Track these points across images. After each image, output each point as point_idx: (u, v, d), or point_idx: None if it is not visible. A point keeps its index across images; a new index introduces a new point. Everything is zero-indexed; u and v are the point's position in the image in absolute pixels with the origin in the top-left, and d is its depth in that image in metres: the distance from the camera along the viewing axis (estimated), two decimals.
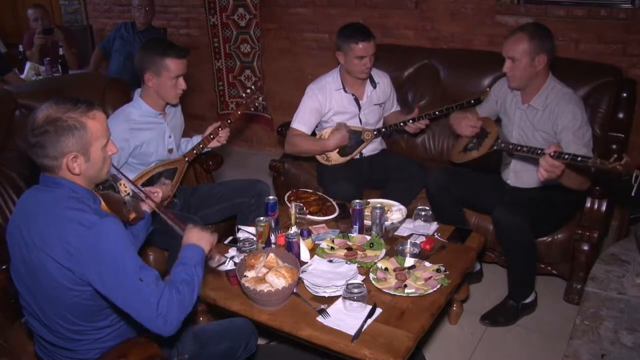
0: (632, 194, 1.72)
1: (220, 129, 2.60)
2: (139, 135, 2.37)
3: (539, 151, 2.10)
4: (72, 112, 1.41)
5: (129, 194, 1.71)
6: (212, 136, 2.59)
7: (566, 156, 1.99)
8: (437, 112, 2.81)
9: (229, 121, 2.62)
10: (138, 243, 1.78)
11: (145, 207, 1.80)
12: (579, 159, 1.95)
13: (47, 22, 4.30)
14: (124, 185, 1.70)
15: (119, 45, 4.22)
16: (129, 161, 2.39)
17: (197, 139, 2.67)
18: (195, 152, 2.58)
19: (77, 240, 1.36)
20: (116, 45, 4.25)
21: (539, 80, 2.40)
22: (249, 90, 2.76)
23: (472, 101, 2.75)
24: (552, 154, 2.00)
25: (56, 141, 1.39)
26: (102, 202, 1.53)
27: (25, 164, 2.40)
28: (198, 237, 1.60)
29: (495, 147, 2.45)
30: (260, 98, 2.76)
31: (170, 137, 2.51)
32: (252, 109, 2.77)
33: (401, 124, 2.85)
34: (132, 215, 1.65)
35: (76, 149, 1.41)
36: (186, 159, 2.57)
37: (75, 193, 1.45)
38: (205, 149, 2.64)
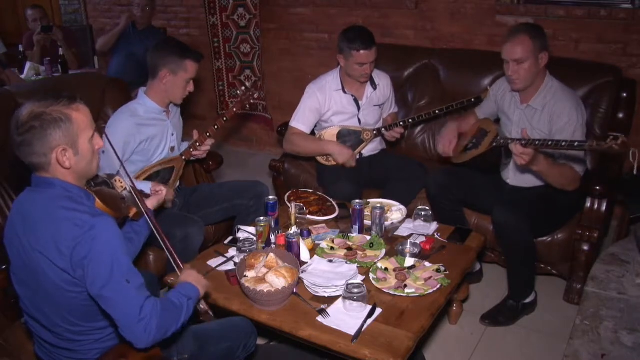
0: (635, 173, 1.74)
1: (207, 134, 2.58)
2: (144, 130, 2.38)
3: (537, 142, 2.13)
4: (55, 106, 1.40)
5: (125, 189, 1.68)
6: (208, 134, 2.58)
7: (550, 142, 2.10)
8: (436, 111, 2.82)
9: (225, 119, 2.63)
10: (140, 240, 1.77)
11: (148, 202, 1.78)
12: (576, 144, 2.00)
13: (46, 22, 4.30)
14: (120, 181, 1.68)
15: (120, 45, 4.23)
16: (132, 157, 2.40)
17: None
18: (192, 150, 2.58)
19: (71, 240, 1.36)
20: (115, 47, 4.25)
21: (539, 79, 2.40)
22: (244, 88, 2.77)
23: (473, 100, 2.75)
24: (523, 142, 2.09)
25: (43, 136, 1.38)
26: (97, 200, 1.51)
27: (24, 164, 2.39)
28: (196, 279, 1.60)
29: (495, 144, 2.45)
30: (256, 95, 2.77)
31: (173, 135, 2.53)
32: (248, 107, 2.76)
33: (390, 127, 2.86)
34: (133, 211, 1.63)
35: (64, 142, 1.41)
36: (183, 157, 2.57)
37: (69, 192, 1.45)
38: (203, 148, 2.63)
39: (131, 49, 4.15)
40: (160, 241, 1.68)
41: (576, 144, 2.03)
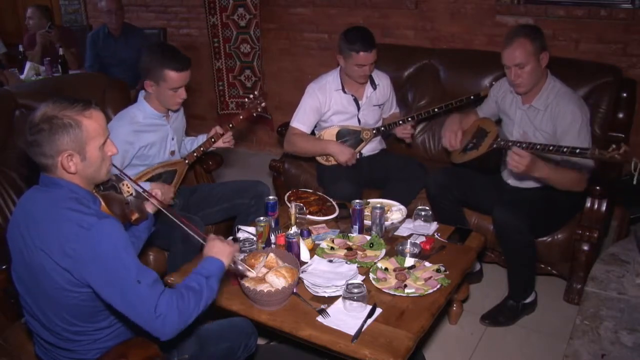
0: (634, 183, 1.74)
1: (222, 133, 2.59)
2: (143, 137, 2.37)
3: (538, 146, 2.12)
4: (68, 111, 1.40)
5: (131, 194, 1.70)
6: (213, 140, 2.59)
7: (551, 148, 2.04)
8: (435, 109, 2.82)
9: (230, 125, 2.62)
10: (139, 244, 1.77)
11: (149, 207, 1.79)
12: (577, 151, 1.97)
13: (47, 21, 4.29)
14: (127, 185, 1.69)
15: (108, 58, 4.19)
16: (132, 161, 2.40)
17: (202, 138, 2.67)
18: (195, 154, 2.58)
19: (76, 241, 1.36)
20: (105, 61, 4.21)
21: (541, 80, 2.40)
22: (252, 96, 2.76)
23: (472, 97, 2.75)
24: (523, 145, 2.05)
25: (51, 139, 1.39)
26: (102, 203, 1.52)
27: (25, 163, 2.39)
28: (219, 250, 1.56)
29: (494, 146, 2.45)
30: (263, 104, 2.76)
31: (172, 139, 2.51)
32: (255, 114, 2.75)
33: (390, 126, 2.86)
34: (135, 216, 1.65)
35: (71, 148, 1.41)
36: (186, 161, 2.57)
37: (75, 193, 1.45)
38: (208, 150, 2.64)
39: (118, 56, 4.12)
40: (170, 215, 1.72)
41: (578, 150, 2.01)
